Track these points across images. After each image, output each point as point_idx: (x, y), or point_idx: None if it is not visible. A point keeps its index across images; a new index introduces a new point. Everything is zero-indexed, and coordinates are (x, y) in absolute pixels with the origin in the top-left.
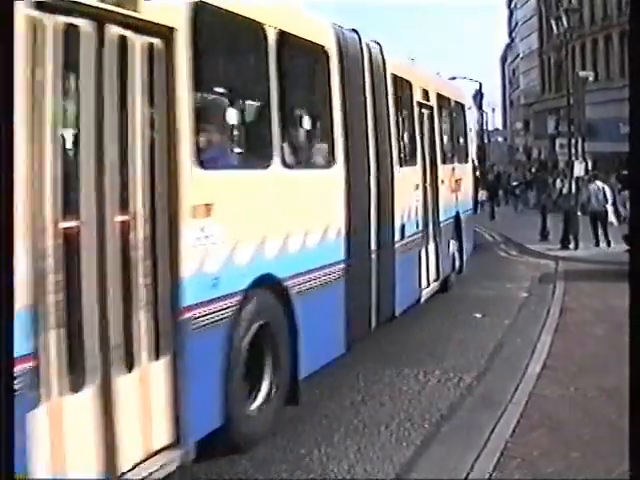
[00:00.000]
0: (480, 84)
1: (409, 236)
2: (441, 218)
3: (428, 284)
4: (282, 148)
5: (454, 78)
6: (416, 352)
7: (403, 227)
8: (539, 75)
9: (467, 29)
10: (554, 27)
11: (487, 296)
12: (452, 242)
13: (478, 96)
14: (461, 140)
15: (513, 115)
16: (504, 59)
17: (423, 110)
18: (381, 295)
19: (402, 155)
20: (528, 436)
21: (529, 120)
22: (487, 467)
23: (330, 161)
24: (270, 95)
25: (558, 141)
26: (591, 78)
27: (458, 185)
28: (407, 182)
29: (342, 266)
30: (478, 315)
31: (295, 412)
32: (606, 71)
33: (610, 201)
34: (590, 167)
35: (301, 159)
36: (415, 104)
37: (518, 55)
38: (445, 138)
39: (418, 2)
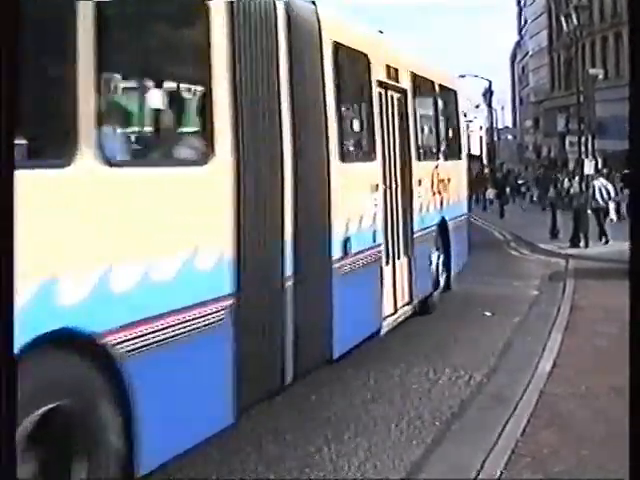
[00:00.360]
0: (490, 82)
1: (360, 252)
2: (416, 226)
3: (395, 310)
4: (99, 136)
5: (463, 76)
6: (426, 350)
7: (347, 240)
8: (549, 73)
9: (475, 28)
10: (564, 24)
11: (497, 294)
12: (434, 254)
13: (488, 94)
14: (450, 133)
15: (523, 113)
16: (513, 57)
17: (390, 93)
18: (302, 336)
19: (348, 148)
20: (538, 435)
21: (539, 118)
22: (497, 465)
23: (206, 154)
24: (77, 55)
25: (568, 139)
26: (601, 76)
27: (444, 186)
28: (356, 182)
29: (227, 303)
30: (488, 313)
31: (304, 410)
32: (616, 68)
33: (612, 197)
34: (600, 165)
35: (141, 151)
36: (374, 84)
37: (527, 53)
38: (425, 129)
39: (419, 2)
